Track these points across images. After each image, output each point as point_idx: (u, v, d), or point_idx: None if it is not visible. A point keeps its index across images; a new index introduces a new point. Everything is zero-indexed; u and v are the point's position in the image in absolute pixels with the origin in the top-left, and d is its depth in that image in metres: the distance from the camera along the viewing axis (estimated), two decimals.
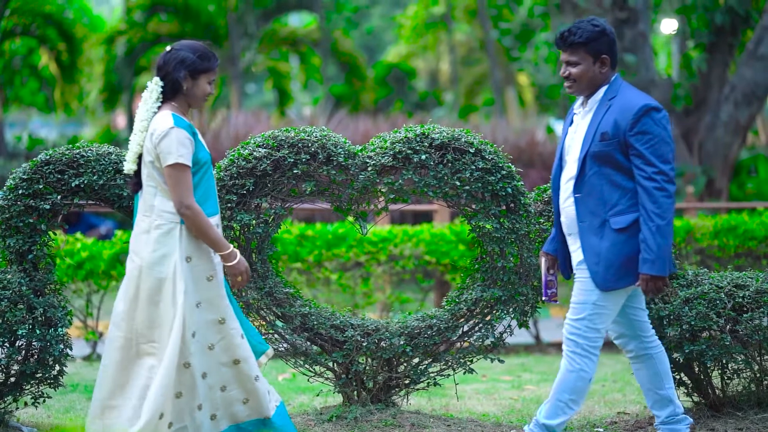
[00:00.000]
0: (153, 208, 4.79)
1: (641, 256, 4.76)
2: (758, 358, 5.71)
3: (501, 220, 5.65)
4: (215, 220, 4.88)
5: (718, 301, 5.57)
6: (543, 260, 5.21)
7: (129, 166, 4.87)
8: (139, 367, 4.77)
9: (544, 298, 5.22)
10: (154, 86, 4.84)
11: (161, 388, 4.66)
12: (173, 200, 4.73)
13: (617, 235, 4.83)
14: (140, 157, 4.85)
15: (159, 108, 4.84)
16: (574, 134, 5.03)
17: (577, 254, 4.97)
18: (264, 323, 5.77)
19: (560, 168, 5.09)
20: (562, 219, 5.04)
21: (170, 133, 4.71)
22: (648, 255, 4.75)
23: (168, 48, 4.91)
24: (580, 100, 5.04)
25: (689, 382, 5.85)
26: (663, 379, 5.13)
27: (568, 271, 5.13)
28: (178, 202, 4.71)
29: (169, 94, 4.85)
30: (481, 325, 5.85)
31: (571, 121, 5.08)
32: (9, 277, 5.38)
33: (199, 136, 4.89)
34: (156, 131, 4.74)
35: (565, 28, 4.93)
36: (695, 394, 5.90)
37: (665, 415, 5.19)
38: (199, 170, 4.82)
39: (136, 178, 4.89)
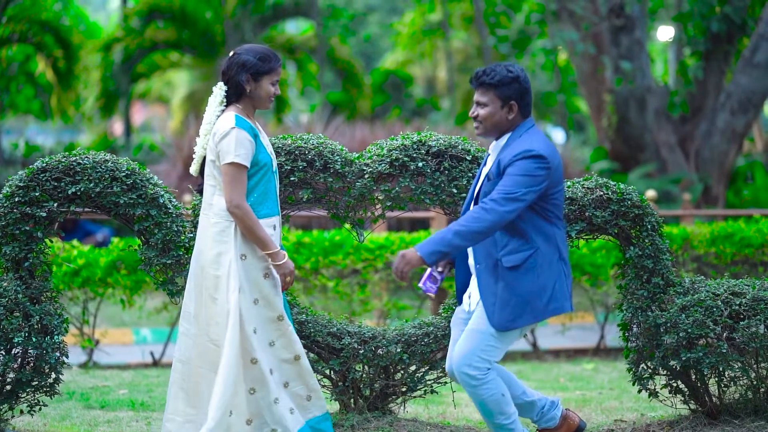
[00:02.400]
0: (211, 207, 4.93)
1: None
2: (755, 366, 5.71)
3: None
4: (274, 221, 4.99)
5: (714, 309, 5.57)
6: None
7: (193, 168, 5.06)
8: (207, 364, 4.89)
9: (420, 285, 5.17)
10: (218, 90, 4.98)
11: (224, 386, 4.76)
12: (225, 198, 4.85)
13: (510, 273, 4.85)
14: (205, 159, 4.99)
15: (223, 111, 4.95)
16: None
17: (475, 293, 4.99)
18: None
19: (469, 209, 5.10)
20: (470, 258, 5.06)
21: (231, 133, 4.83)
22: (437, 237, 4.73)
23: (231, 53, 5.02)
24: (493, 141, 5.07)
25: (686, 389, 5.85)
26: (512, 391, 5.13)
27: (460, 296, 5.14)
28: (228, 200, 4.83)
29: (233, 98, 4.98)
30: None
31: (485, 162, 5.12)
32: (5, 284, 5.36)
33: (262, 138, 4.98)
34: (219, 131, 4.87)
35: (482, 68, 4.98)
36: (692, 402, 5.90)
37: (535, 416, 5.27)
38: (258, 171, 4.92)
39: (202, 179, 5.03)
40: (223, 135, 4.84)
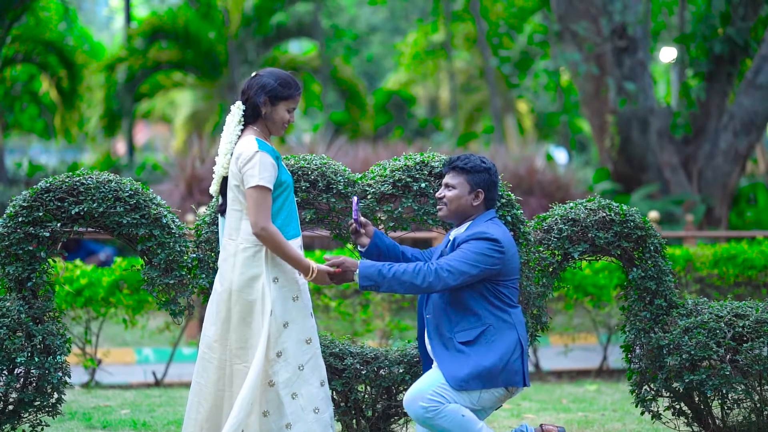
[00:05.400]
0: (239, 232, 4.93)
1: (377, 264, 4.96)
2: (758, 388, 5.69)
3: None
4: (298, 242, 5.00)
5: (718, 331, 5.56)
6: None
7: (213, 188, 5.08)
8: (234, 387, 4.89)
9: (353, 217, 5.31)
10: (236, 110, 5.00)
11: (241, 405, 4.75)
12: (250, 221, 4.84)
13: (464, 347, 5.01)
14: (224, 179, 5.01)
15: (241, 131, 4.98)
16: None
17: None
18: None
19: None
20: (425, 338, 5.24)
21: (255, 157, 4.85)
22: (378, 267, 4.94)
23: (253, 74, 5.06)
24: (454, 228, 5.28)
25: (689, 411, 5.84)
26: None
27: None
28: (254, 223, 4.82)
29: (250, 118, 5.01)
30: None
31: (445, 244, 5.29)
32: (8, 304, 5.36)
33: (282, 160, 5.02)
34: (242, 155, 4.87)
35: (456, 155, 5.25)
36: (695, 424, 5.88)
37: None
38: (282, 192, 4.95)
39: (222, 200, 5.04)
40: (247, 159, 4.85)
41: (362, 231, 5.32)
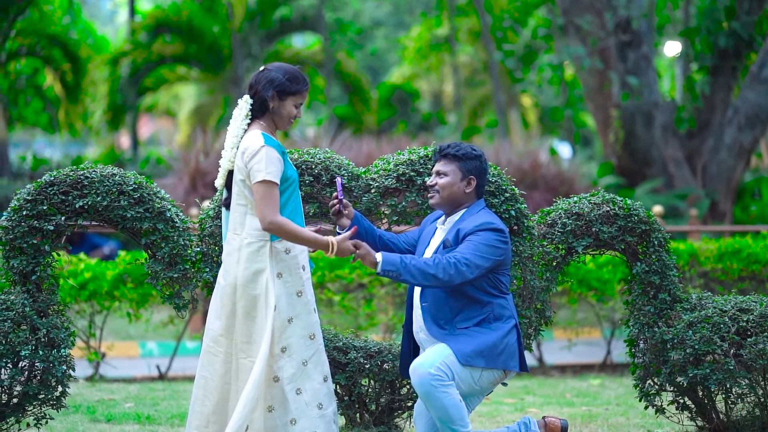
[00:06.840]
0: (243, 226, 4.92)
1: (400, 256, 4.92)
2: (762, 383, 5.70)
3: None
4: None
5: (722, 325, 5.56)
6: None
7: (218, 182, 5.07)
8: (240, 381, 4.89)
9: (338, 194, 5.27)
10: (243, 103, 4.98)
11: (246, 400, 4.75)
12: (258, 216, 4.83)
13: (466, 330, 5.04)
14: (230, 173, 4.99)
15: (248, 125, 4.97)
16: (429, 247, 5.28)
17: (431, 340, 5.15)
18: None
19: None
20: (415, 325, 5.25)
21: (261, 151, 4.83)
22: (399, 255, 4.91)
23: (261, 68, 5.05)
24: (443, 217, 5.27)
25: (693, 406, 5.84)
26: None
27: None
28: (261, 218, 4.81)
29: (257, 113, 4.98)
30: None
31: (432, 234, 5.30)
32: (12, 298, 5.37)
33: (287, 155, 5.02)
34: (248, 150, 4.86)
35: (446, 143, 5.27)
36: (699, 419, 5.88)
37: None
38: (287, 188, 4.94)
39: (227, 193, 5.04)
40: (253, 154, 4.83)
41: (344, 212, 5.30)
